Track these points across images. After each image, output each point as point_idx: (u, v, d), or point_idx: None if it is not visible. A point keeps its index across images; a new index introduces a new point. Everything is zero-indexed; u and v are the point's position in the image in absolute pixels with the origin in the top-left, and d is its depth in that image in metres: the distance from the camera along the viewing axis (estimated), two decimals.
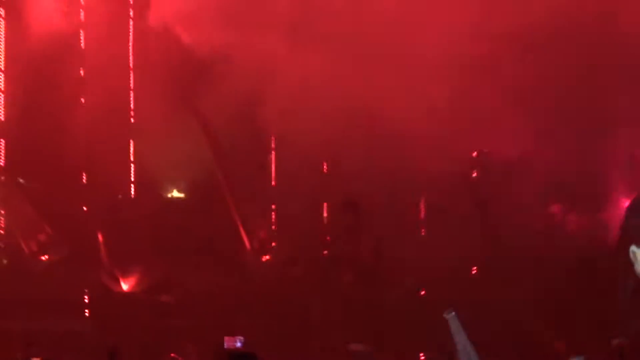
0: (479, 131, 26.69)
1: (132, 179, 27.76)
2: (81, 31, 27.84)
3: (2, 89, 28.13)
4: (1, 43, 29.00)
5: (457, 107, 26.89)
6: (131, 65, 29.27)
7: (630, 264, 16.73)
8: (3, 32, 28.64)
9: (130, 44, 28.87)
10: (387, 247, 26.94)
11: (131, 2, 29.06)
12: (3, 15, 28.79)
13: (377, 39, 26.92)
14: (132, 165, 26.96)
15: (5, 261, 26.88)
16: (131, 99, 27.91)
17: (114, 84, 28.08)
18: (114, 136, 28.01)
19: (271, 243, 27.05)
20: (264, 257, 25.53)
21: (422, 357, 21.33)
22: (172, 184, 27.52)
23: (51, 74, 26.90)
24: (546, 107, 25.66)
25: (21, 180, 26.40)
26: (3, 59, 28.71)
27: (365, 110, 26.88)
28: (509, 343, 23.46)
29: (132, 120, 27.86)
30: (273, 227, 26.71)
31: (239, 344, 19.89)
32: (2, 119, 27.22)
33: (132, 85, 28.73)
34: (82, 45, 28.66)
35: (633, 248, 16.90)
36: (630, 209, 18.32)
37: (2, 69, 28.34)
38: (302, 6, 27.56)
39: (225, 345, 19.53)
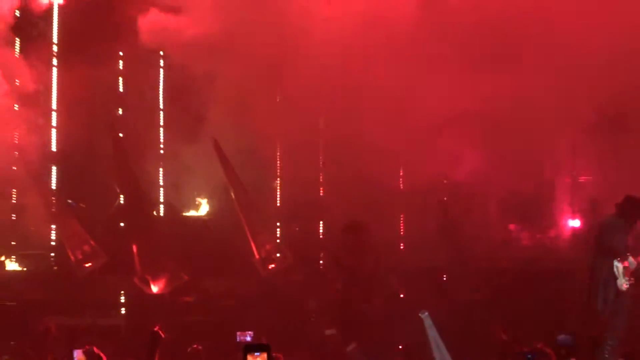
0: (448, 161, 26.91)
1: (162, 200, 27.98)
2: (120, 78, 28.15)
3: (54, 124, 27.52)
4: (54, 87, 27.89)
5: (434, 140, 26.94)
6: (161, 106, 28.81)
7: (611, 277, 19.50)
8: (56, 77, 27.92)
9: (161, 88, 28.47)
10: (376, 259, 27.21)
11: (161, 54, 29.29)
12: (55, 64, 28.59)
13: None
14: (161, 188, 27.74)
15: (55, 268, 26.50)
16: (161, 134, 28.08)
17: (146, 122, 28.16)
18: (146, 165, 27.75)
19: (276, 254, 26.85)
20: (270, 265, 25.99)
21: (400, 347, 21.87)
22: (195, 205, 28.10)
23: (94, 113, 26.45)
24: (503, 138, 25.76)
25: (69, 201, 26.42)
26: (55, 99, 27.93)
27: (352, 139, 27.03)
28: (471, 337, 23.27)
29: (161, 151, 27.81)
30: (277, 240, 27.16)
31: (248, 338, 20.02)
32: (54, 150, 27.65)
33: (162, 122, 28.41)
34: (121, 89, 28.40)
35: (616, 263, 19.88)
36: (604, 230, 20.63)
37: (54, 108, 27.92)
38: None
39: (238, 339, 19.70)
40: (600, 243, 22.54)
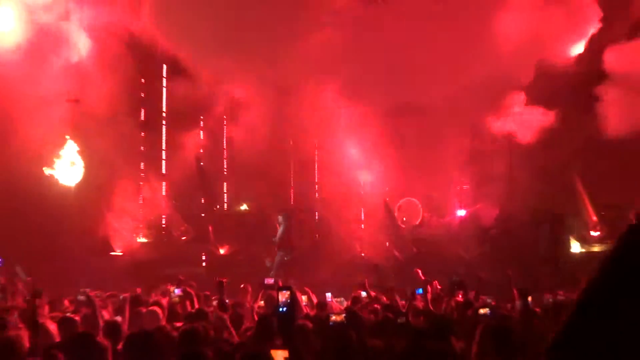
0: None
1: (225, 201, 30.62)
2: (201, 131, 29.38)
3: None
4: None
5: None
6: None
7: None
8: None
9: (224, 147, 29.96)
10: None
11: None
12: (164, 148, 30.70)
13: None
14: (225, 194, 30.49)
15: (165, 240, 28.99)
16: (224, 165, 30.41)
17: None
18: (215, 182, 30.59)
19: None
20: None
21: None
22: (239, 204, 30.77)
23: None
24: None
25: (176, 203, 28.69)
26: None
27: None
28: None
29: (225, 172, 30.01)
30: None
31: (271, 281, 19.23)
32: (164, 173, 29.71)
33: (225, 172, 30.57)
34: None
35: None
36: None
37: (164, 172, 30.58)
38: None
39: (265, 282, 19.22)
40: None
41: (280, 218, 27.18)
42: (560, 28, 25.91)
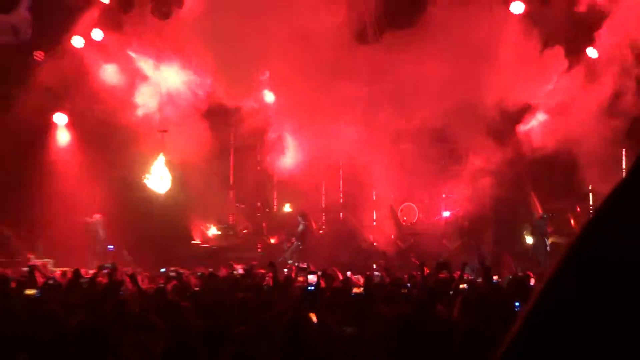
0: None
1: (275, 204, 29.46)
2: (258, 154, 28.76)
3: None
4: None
5: None
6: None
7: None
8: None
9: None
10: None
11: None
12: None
13: None
14: (275, 200, 29.72)
15: (231, 233, 28.32)
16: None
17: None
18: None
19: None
20: None
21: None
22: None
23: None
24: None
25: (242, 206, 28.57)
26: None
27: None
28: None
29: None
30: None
31: (305, 265, 19.71)
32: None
33: (275, 183, 29.44)
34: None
35: None
36: None
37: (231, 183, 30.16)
38: None
39: (300, 265, 20.00)
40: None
41: (299, 218, 26.67)
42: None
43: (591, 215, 1.29)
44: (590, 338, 1.20)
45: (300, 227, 26.17)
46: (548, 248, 24.60)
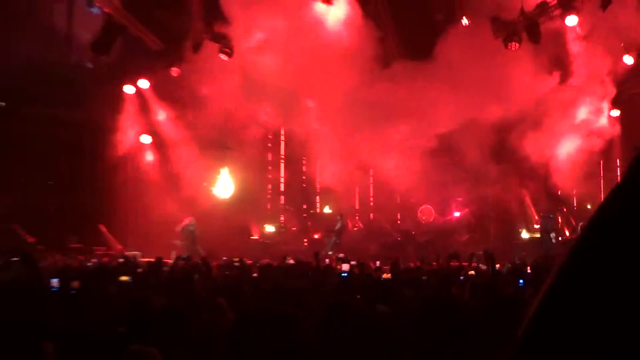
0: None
1: (318, 205, 29.30)
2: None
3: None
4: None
5: None
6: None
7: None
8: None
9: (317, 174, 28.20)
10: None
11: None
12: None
13: None
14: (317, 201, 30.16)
15: (282, 229, 28.16)
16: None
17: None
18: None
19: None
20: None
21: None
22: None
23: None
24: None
25: (291, 208, 28.60)
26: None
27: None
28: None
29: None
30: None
31: (343, 255, 19.61)
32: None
33: (318, 189, 29.27)
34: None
35: None
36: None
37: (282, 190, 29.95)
38: None
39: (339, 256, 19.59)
40: None
41: (338, 217, 26.53)
42: None
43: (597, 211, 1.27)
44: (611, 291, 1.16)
45: (338, 225, 26.00)
46: (554, 241, 24.22)
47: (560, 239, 24.31)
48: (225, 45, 24.31)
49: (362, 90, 23.89)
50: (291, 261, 17.13)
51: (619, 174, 24.93)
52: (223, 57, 24.43)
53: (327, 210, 27.94)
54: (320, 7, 24.34)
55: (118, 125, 26.60)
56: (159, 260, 15.36)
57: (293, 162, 29.42)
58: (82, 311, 7.08)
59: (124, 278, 12.28)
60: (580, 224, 23.95)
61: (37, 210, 25.86)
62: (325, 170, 27.21)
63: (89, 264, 19.74)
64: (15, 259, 11.57)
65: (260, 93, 25.16)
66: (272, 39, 24.34)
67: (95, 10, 23.75)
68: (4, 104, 27.43)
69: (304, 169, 29.46)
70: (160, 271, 14.42)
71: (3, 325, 5.49)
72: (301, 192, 29.17)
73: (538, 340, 1.20)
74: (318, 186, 28.96)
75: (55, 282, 10.61)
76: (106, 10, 23.90)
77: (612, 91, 24.04)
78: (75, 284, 10.50)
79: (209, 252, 20.79)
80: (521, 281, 11.46)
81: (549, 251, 22.59)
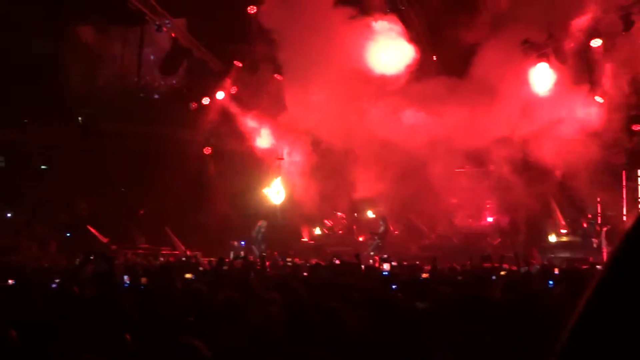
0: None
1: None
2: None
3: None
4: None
5: None
6: None
7: None
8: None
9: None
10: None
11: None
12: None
13: None
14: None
15: (330, 232, 27.55)
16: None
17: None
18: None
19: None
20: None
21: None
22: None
23: None
24: None
25: (338, 213, 28.00)
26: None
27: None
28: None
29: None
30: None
31: (386, 256, 18.82)
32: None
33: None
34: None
35: None
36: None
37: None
38: None
39: (383, 257, 18.80)
40: None
41: (381, 221, 26.24)
42: None
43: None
44: None
45: (381, 229, 25.74)
46: (595, 246, 23.76)
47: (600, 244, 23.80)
48: (278, 65, 24.74)
49: (402, 104, 23.78)
50: (337, 261, 16.78)
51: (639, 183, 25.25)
52: (277, 77, 24.84)
53: (370, 214, 27.44)
54: (365, 24, 24.07)
55: (183, 138, 27.27)
56: (220, 259, 15.45)
57: (339, 172, 28.09)
58: (151, 304, 7.14)
59: (188, 275, 12.42)
60: (605, 229, 23.69)
61: (111, 214, 26.59)
62: (368, 178, 26.54)
63: (156, 262, 20.16)
64: (92, 257, 11.50)
65: (308, 108, 25.09)
66: (317, 57, 24.18)
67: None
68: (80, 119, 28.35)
69: (350, 177, 28.12)
70: (221, 269, 14.46)
71: (88, 317, 5.70)
72: (347, 197, 28.19)
73: (581, 350, 1.13)
74: (363, 192, 27.68)
75: (126, 278, 10.84)
76: (173, 35, 24.32)
77: (635, 105, 23.64)
78: (144, 280, 10.66)
79: (266, 251, 20.97)
80: (551, 282, 11.31)
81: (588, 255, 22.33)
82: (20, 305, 7.13)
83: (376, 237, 25.75)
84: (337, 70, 24.24)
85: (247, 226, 26.26)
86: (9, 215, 26.91)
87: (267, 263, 17.37)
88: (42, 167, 29.54)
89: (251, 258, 19.77)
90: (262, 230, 25.87)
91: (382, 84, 23.87)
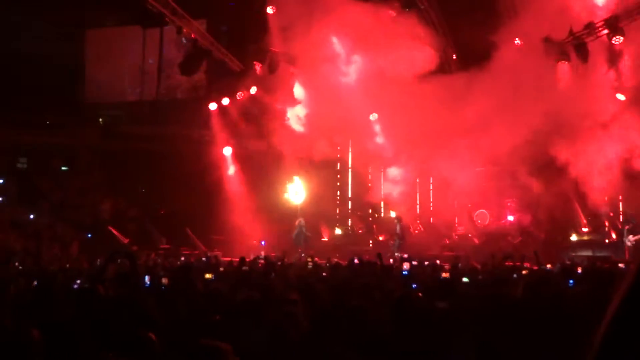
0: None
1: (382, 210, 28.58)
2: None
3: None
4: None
5: None
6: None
7: None
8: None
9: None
10: None
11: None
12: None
13: None
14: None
15: (350, 232, 28.03)
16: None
17: None
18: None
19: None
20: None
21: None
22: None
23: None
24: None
25: (358, 213, 28.88)
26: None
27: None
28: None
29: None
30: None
31: (406, 255, 18.91)
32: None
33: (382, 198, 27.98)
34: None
35: None
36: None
37: (349, 196, 30.50)
38: None
39: (403, 256, 19.09)
40: None
41: (396, 221, 25.94)
42: None
43: None
44: None
45: (397, 228, 25.51)
46: (629, 244, 23.20)
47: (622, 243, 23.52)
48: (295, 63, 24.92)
49: (424, 105, 23.57)
50: (356, 261, 16.60)
51: None
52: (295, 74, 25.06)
53: (392, 214, 27.01)
54: (386, 19, 24.06)
55: (203, 139, 27.57)
56: (242, 259, 15.51)
57: (359, 173, 29.16)
58: (172, 304, 7.18)
59: (208, 276, 12.42)
60: (627, 227, 23.49)
61: (132, 215, 26.88)
62: (389, 178, 27.16)
63: (176, 262, 20.34)
64: (115, 256, 11.60)
65: (328, 107, 25.15)
66: (338, 55, 24.41)
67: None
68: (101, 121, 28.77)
69: (370, 177, 29.02)
70: (242, 269, 14.52)
71: (113, 317, 5.66)
72: (367, 198, 28.49)
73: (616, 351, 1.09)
74: (382, 193, 28.21)
75: (147, 278, 10.85)
76: (192, 36, 24.45)
77: None
78: (165, 280, 10.71)
79: (283, 252, 20.97)
80: (571, 281, 11.28)
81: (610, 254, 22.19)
82: (44, 306, 7.19)
83: (396, 237, 25.58)
84: (359, 67, 24.46)
85: (266, 227, 26.13)
86: (31, 216, 26.95)
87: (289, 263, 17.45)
88: (63, 168, 29.92)
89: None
90: (303, 229, 25.80)
91: (401, 81, 23.79)
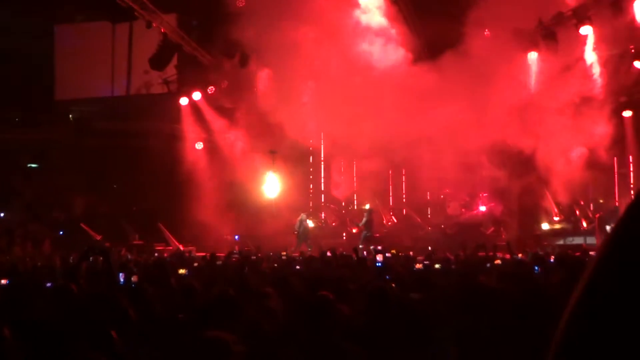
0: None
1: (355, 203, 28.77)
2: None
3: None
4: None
5: None
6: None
7: None
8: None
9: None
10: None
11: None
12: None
13: None
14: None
15: (323, 224, 28.03)
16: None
17: None
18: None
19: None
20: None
21: None
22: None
23: None
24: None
25: (331, 205, 28.87)
26: None
27: None
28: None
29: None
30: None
31: (380, 247, 18.61)
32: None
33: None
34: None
35: None
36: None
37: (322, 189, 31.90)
38: None
39: (376, 248, 18.95)
40: None
41: (364, 212, 25.78)
42: None
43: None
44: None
45: (364, 220, 25.26)
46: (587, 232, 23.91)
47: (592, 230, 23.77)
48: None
49: (394, 97, 23.55)
50: (328, 254, 16.71)
51: (631, 169, 25.24)
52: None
53: (367, 207, 26.85)
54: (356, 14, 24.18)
55: (174, 134, 27.35)
56: (212, 255, 15.41)
57: (334, 166, 29.28)
58: (145, 301, 7.09)
59: (181, 271, 12.30)
60: (597, 215, 23.69)
61: (104, 211, 26.57)
62: (362, 170, 27.08)
63: (150, 258, 20.01)
64: (90, 254, 11.45)
65: (298, 99, 25.19)
66: (309, 48, 24.15)
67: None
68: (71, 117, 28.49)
69: (342, 169, 29.02)
70: (214, 264, 14.35)
71: (82, 314, 5.63)
72: (339, 190, 28.63)
73: (578, 343, 1.05)
74: (356, 185, 28.42)
75: (120, 275, 10.66)
76: (162, 30, 24.28)
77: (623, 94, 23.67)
78: (136, 277, 10.48)
79: (256, 247, 20.84)
80: (536, 268, 11.44)
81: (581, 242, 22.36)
82: (15, 304, 7.05)
83: (364, 229, 25.37)
84: (327, 63, 24.38)
85: (241, 221, 26.08)
86: (2, 214, 26.65)
87: (262, 257, 17.39)
88: (34, 166, 29.72)
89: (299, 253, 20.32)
90: (304, 224, 25.58)
91: (371, 76, 23.75)
